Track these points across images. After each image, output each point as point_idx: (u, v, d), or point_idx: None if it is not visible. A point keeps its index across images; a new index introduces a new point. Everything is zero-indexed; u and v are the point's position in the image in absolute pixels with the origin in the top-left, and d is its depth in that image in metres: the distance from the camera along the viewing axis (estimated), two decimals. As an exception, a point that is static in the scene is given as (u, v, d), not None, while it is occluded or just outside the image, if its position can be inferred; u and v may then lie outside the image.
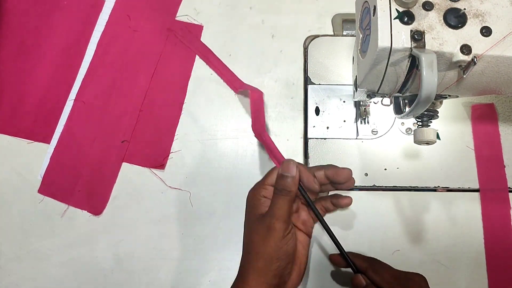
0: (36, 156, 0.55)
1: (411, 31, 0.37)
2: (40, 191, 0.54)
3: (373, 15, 0.38)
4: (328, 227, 0.45)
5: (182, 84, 0.57)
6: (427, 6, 0.37)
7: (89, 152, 0.55)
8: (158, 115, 0.56)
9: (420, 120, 0.46)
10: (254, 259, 0.42)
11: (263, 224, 0.42)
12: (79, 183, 0.54)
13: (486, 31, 0.37)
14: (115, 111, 0.56)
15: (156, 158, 0.54)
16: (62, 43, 0.59)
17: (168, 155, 0.55)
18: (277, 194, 0.43)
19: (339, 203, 0.47)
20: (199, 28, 0.59)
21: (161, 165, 0.54)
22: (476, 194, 0.53)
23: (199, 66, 0.58)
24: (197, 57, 0.58)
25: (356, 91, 0.46)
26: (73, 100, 0.57)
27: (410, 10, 0.37)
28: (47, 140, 0.56)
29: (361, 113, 0.54)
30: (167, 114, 0.56)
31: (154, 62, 0.58)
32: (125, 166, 0.55)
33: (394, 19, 0.37)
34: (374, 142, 0.54)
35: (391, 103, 0.54)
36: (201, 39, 0.59)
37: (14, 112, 0.57)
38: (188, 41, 0.55)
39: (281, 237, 0.42)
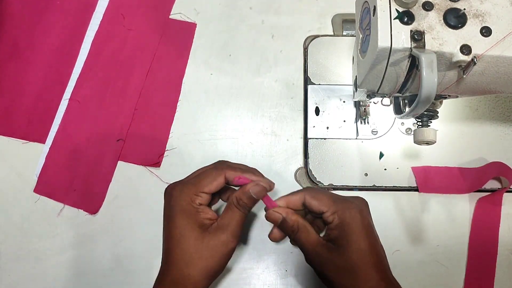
0: (32, 156, 0.55)
1: (411, 31, 0.37)
2: (36, 190, 0.54)
3: (373, 15, 0.38)
4: None
5: (176, 82, 0.57)
6: (427, 6, 0.37)
7: (85, 151, 0.55)
8: (153, 113, 0.56)
9: (420, 120, 0.46)
10: (195, 274, 0.40)
11: (217, 239, 0.40)
12: (74, 182, 0.54)
13: (486, 31, 0.37)
14: (110, 110, 0.56)
15: (152, 156, 0.54)
16: (56, 42, 0.59)
17: (164, 152, 0.55)
18: (237, 209, 0.41)
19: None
20: (192, 26, 0.60)
21: (156, 163, 0.54)
22: (476, 194, 0.53)
23: (199, 67, 0.58)
24: (194, 56, 0.58)
25: (356, 91, 0.46)
26: (67, 100, 0.57)
27: (410, 10, 0.37)
28: (42, 140, 0.56)
29: (361, 113, 0.54)
30: (162, 112, 0.56)
31: (149, 60, 0.58)
32: (122, 165, 0.55)
33: (394, 19, 0.37)
34: (374, 142, 0.54)
35: (391, 103, 0.54)
36: (201, 40, 0.59)
37: (9, 112, 0.57)
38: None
39: (230, 253, 0.41)
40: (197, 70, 0.58)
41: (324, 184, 0.52)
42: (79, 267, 0.51)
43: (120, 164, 0.55)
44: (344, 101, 0.55)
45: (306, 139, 0.55)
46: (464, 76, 0.37)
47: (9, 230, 0.53)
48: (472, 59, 0.36)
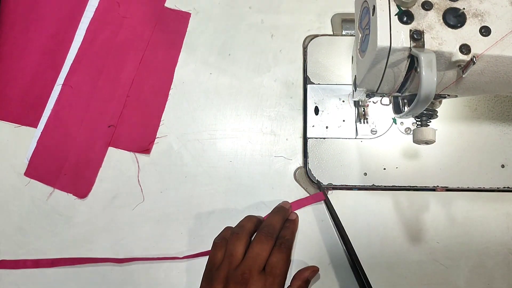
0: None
1: (410, 30, 0.37)
2: (27, 174, 0.54)
3: (372, 15, 0.38)
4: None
5: (169, 70, 0.58)
6: (426, 6, 0.37)
7: (76, 136, 0.55)
8: (144, 100, 0.57)
9: (419, 119, 0.46)
10: None
11: None
12: (65, 166, 0.54)
13: (485, 31, 0.37)
14: (102, 96, 0.57)
15: (142, 143, 0.55)
16: (51, 28, 0.59)
17: (154, 140, 0.55)
18: None
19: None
20: (186, 16, 0.60)
21: (146, 150, 0.55)
22: (475, 194, 0.53)
23: (198, 66, 0.58)
24: (194, 56, 0.58)
25: (355, 90, 0.46)
26: (61, 85, 0.57)
27: (409, 9, 0.37)
28: (34, 125, 0.56)
29: (360, 113, 0.54)
30: (154, 99, 0.57)
31: (142, 48, 0.58)
32: (115, 152, 0.55)
33: (395, 15, 0.37)
34: (373, 142, 0.54)
35: (390, 103, 0.54)
36: (201, 39, 0.59)
37: (2, 96, 0.57)
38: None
39: None
40: (196, 69, 0.58)
41: (323, 184, 0.52)
42: (79, 266, 0.51)
43: (113, 150, 0.55)
44: (343, 101, 0.55)
45: (305, 139, 0.55)
46: (463, 75, 0.37)
47: (9, 229, 0.53)
48: (471, 59, 0.36)
